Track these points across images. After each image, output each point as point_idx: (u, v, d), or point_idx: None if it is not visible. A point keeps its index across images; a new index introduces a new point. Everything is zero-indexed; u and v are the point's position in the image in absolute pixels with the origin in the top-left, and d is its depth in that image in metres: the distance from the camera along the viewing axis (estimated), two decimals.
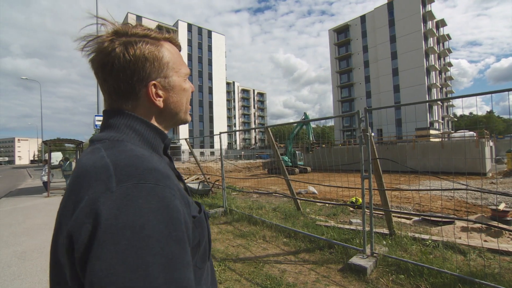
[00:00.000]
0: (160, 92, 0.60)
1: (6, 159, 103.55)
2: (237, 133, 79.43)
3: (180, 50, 0.67)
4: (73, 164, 10.79)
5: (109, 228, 0.39)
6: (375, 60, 48.13)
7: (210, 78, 54.99)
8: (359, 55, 51.12)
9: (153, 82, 0.58)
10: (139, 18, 46.80)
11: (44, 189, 10.28)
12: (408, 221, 5.50)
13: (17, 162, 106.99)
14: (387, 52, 46.00)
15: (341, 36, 54.54)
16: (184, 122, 0.68)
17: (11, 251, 4.17)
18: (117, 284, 0.37)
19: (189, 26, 52.51)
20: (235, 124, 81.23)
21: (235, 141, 79.65)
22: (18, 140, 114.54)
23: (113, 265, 0.38)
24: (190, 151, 9.30)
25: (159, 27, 48.57)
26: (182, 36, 50.50)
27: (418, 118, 39.94)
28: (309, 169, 21.11)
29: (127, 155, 0.49)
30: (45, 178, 10.22)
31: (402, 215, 6.03)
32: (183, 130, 48.48)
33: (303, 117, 21.19)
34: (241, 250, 3.86)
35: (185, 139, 8.94)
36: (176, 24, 51.01)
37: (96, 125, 10.83)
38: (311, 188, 10.03)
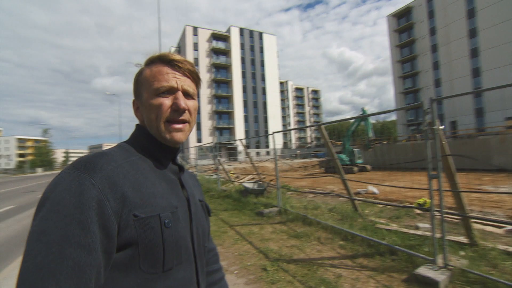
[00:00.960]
0: (140, 109, 0.71)
1: None
2: (292, 132, 78.78)
3: (173, 65, 0.67)
4: None
5: (41, 197, 0.53)
6: (445, 43, 42.05)
7: (263, 79, 55.87)
8: (425, 40, 45.34)
9: (134, 99, 0.73)
10: (195, 29, 50.27)
11: None
12: (498, 230, 4.65)
13: None
14: (463, 31, 39.68)
15: (402, 21, 49.25)
16: (164, 138, 0.67)
17: None
18: (28, 237, 0.48)
19: (241, 31, 54.24)
20: (289, 123, 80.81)
21: (290, 140, 79.19)
22: (105, 145, 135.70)
23: (34, 225, 0.50)
24: (245, 151, 9.59)
25: (214, 35, 51.39)
26: (235, 41, 52.48)
27: (508, 105, 33.44)
28: (368, 167, 19.68)
29: (94, 153, 0.60)
30: None
31: (487, 222, 5.12)
32: (239, 131, 50.35)
33: (361, 113, 19.85)
34: (295, 251, 3.80)
35: (240, 140, 9.28)
36: (228, 30, 53.27)
37: None
38: (372, 188, 9.30)
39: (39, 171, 66.20)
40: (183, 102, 0.66)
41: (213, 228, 4.92)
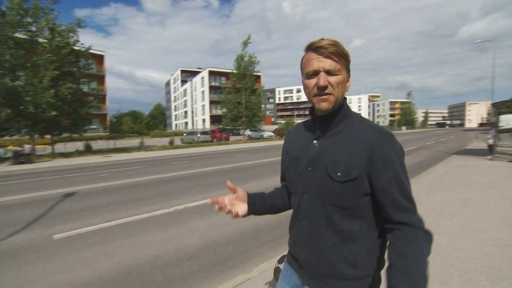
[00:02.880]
0: None
1: (458, 122, 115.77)
2: None
3: (317, 50, 0.83)
4: None
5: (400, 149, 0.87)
6: None
7: None
8: None
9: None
10: None
11: (488, 152, 10.40)
12: None
13: (467, 125, 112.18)
14: None
15: None
16: (316, 109, 0.91)
17: (454, 197, 5.06)
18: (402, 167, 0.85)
19: None
20: None
21: None
22: (469, 104, 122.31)
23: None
24: None
25: None
26: None
27: None
28: None
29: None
30: (490, 142, 10.17)
31: None
32: None
33: None
34: None
35: None
36: None
37: None
38: None
39: (403, 129, 78.57)
40: (322, 80, 0.82)
41: None
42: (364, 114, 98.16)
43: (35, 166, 12.92)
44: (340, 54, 0.82)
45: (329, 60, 0.82)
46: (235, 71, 27.58)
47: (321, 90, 0.83)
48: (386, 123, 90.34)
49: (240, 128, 29.54)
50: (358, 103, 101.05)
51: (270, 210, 1.10)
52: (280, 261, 1.09)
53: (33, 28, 15.43)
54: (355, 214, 0.85)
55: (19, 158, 14.12)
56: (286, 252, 1.12)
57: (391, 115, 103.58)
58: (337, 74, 0.83)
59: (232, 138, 34.25)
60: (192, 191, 6.56)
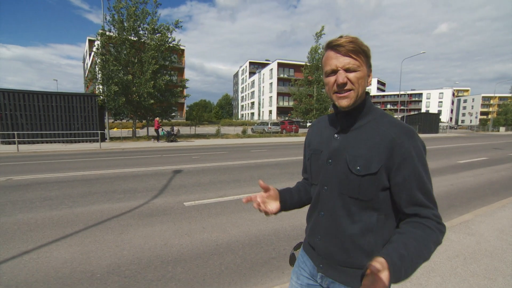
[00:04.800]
0: None
1: None
2: None
3: (335, 49, 0.86)
4: None
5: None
6: None
7: None
8: None
9: None
10: None
11: None
12: None
13: None
14: None
15: None
16: (337, 105, 0.91)
17: None
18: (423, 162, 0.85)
19: None
20: None
21: None
22: None
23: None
24: None
25: None
26: None
27: None
28: None
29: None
30: None
31: None
32: None
33: None
34: None
35: None
36: None
37: None
38: None
39: (501, 130, 66.00)
40: (341, 78, 0.85)
41: None
42: (446, 111, 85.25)
43: (178, 145, 16.42)
44: (358, 51, 0.85)
45: (347, 58, 0.84)
46: (308, 64, 27.32)
47: (340, 87, 0.86)
48: (475, 122, 76.62)
49: (310, 121, 29.39)
50: (438, 99, 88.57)
51: (297, 205, 1.14)
52: (295, 248, 1.13)
53: (141, 31, 18.24)
54: (374, 206, 0.87)
55: (170, 137, 17.92)
56: (302, 240, 1.18)
57: (484, 113, 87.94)
58: (356, 71, 0.85)
59: (300, 130, 34.32)
60: (282, 178, 7.05)
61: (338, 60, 0.85)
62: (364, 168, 0.85)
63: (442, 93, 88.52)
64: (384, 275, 0.66)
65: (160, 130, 18.71)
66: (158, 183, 6.42)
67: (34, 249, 3.17)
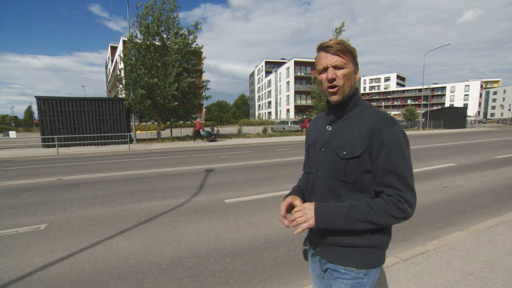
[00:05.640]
0: None
1: None
2: None
3: (325, 49, 0.99)
4: None
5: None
6: None
7: None
8: None
9: None
10: None
11: None
12: None
13: None
14: None
15: None
16: (329, 99, 1.04)
17: None
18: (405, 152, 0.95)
19: None
20: None
21: None
22: None
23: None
24: None
25: None
26: None
27: None
28: None
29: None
30: None
31: None
32: None
33: None
34: None
35: None
36: None
37: None
38: None
39: None
40: (330, 74, 0.97)
41: None
42: (473, 104, 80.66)
43: (219, 144, 17.33)
44: (346, 51, 0.97)
45: (336, 56, 0.96)
46: None
47: (330, 82, 0.98)
48: (508, 115, 71.80)
49: None
50: (464, 92, 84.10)
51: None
52: (305, 243, 1.18)
53: (165, 35, 18.84)
54: (360, 188, 0.99)
55: (210, 137, 19.05)
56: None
57: None
58: (343, 68, 0.97)
59: None
60: None
61: (328, 59, 0.98)
62: (349, 153, 0.97)
63: (468, 85, 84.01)
64: (309, 210, 0.96)
65: (201, 130, 19.70)
66: (195, 181, 6.68)
67: (101, 241, 3.46)
